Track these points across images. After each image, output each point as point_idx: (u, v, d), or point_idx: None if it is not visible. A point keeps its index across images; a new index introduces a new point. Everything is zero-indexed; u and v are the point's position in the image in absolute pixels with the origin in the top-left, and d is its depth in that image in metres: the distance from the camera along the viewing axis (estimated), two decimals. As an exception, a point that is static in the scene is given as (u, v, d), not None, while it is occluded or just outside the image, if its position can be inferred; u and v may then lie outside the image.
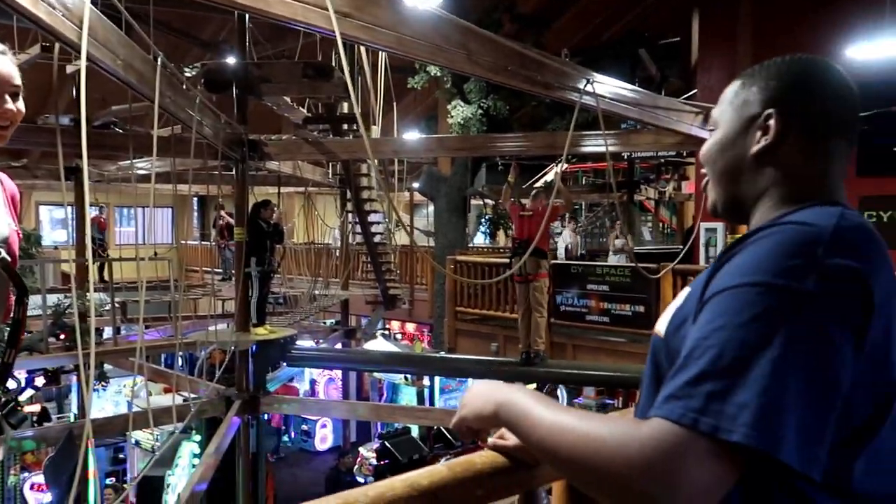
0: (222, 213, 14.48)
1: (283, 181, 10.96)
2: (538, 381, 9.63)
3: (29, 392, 9.90)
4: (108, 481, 9.59)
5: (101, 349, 7.67)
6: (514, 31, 11.57)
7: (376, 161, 7.39)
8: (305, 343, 10.73)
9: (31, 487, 9.04)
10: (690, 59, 11.70)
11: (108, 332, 9.50)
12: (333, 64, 8.55)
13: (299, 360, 9.76)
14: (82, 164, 3.54)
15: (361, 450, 11.13)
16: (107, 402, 11.22)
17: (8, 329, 1.74)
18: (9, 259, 1.65)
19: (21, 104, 1.69)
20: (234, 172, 8.27)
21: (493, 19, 11.20)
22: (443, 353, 10.47)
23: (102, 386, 10.83)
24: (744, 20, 9.60)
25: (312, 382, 14.21)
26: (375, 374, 12.62)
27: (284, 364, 10.30)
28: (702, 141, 1.04)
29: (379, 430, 12.10)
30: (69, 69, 7.53)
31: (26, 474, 9.09)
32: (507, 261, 10.68)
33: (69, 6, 3.40)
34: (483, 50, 4.78)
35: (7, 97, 1.65)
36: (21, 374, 9.21)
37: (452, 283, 10.51)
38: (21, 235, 1.81)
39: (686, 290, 0.97)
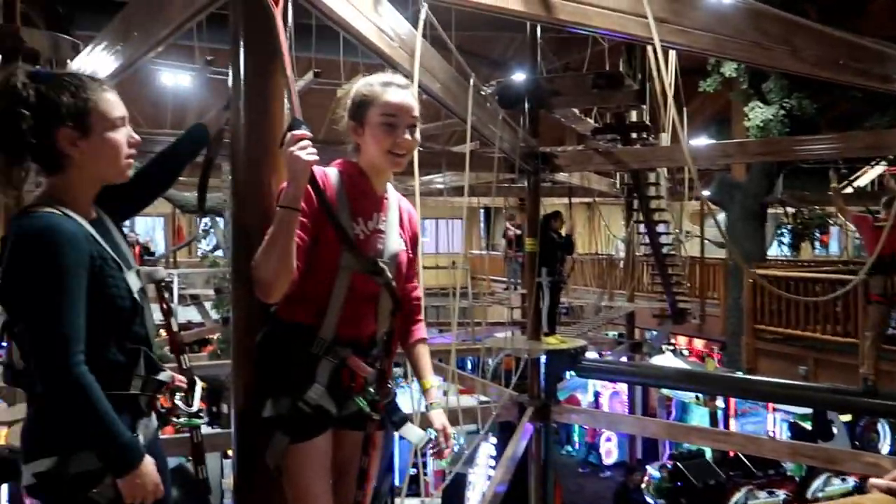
0: (508, 224, 15.02)
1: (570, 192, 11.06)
2: (858, 412, 8.56)
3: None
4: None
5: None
6: (817, 20, 10.39)
7: (684, 170, 7.06)
8: (591, 354, 10.67)
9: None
10: None
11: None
12: (622, 71, 8.46)
13: (588, 372, 9.70)
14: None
15: (649, 468, 10.76)
16: (405, 400, 12.20)
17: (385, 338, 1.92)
18: (391, 277, 1.81)
19: (417, 135, 1.86)
20: (523, 185, 8.50)
21: (797, 9, 10.16)
22: (740, 374, 9.75)
23: (407, 383, 11.80)
24: None
25: (597, 395, 14.09)
26: (663, 391, 12.14)
27: (569, 374, 10.34)
28: None
29: (667, 449, 11.61)
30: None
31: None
32: (816, 275, 9.68)
33: (403, 38, 3.75)
34: (810, 44, 4.32)
35: (406, 129, 1.83)
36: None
37: (752, 299, 9.74)
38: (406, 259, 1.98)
39: None
